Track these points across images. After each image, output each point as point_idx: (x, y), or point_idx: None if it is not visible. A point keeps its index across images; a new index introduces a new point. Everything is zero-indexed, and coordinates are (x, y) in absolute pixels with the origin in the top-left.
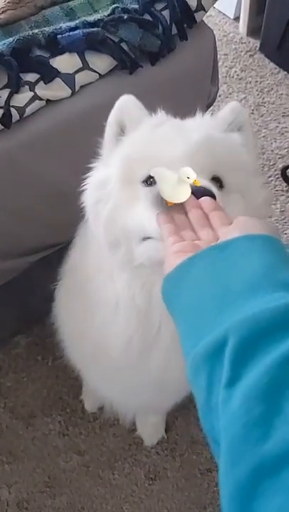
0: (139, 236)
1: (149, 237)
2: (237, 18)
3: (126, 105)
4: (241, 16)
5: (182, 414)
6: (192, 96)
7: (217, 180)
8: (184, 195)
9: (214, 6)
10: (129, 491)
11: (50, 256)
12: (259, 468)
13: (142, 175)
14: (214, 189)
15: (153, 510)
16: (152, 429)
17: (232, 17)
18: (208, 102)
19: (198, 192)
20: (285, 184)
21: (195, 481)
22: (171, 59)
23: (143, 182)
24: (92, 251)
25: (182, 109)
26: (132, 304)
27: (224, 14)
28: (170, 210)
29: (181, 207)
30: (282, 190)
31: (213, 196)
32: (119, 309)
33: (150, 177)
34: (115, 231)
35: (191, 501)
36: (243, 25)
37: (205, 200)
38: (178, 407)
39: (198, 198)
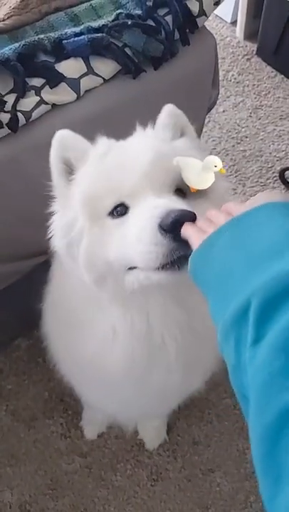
0: (124, 266)
1: (134, 267)
2: (234, 22)
3: (65, 141)
4: (238, 20)
5: (183, 416)
6: (194, 99)
7: (180, 191)
8: (208, 181)
9: None
10: (132, 493)
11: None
12: (285, 411)
13: (105, 208)
14: (185, 207)
15: (155, 511)
16: (154, 432)
17: (229, 21)
18: (209, 105)
19: (177, 220)
20: (283, 186)
21: (197, 481)
22: (174, 63)
23: (109, 214)
24: (74, 288)
25: (186, 111)
26: (131, 330)
27: (221, 18)
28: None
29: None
30: (280, 193)
31: (194, 217)
32: (117, 337)
33: (116, 207)
34: (98, 267)
35: (193, 502)
36: (240, 30)
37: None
38: (179, 408)
39: (180, 226)
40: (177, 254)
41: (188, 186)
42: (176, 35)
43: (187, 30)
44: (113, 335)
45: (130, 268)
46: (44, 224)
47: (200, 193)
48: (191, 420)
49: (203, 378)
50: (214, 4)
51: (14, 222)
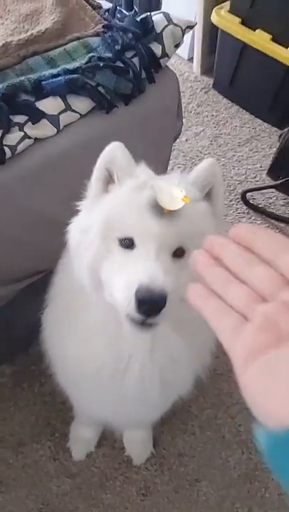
0: (108, 291)
1: None
2: (191, 59)
3: (115, 152)
4: (194, 56)
5: (167, 429)
6: (162, 130)
7: (180, 249)
8: (179, 203)
9: None
10: (122, 509)
11: (35, 283)
12: None
13: (119, 234)
14: (168, 288)
15: None
16: (140, 447)
17: (186, 58)
18: (175, 135)
19: (152, 301)
20: (245, 207)
21: (184, 492)
22: (142, 99)
23: (119, 240)
24: (72, 282)
25: (154, 141)
26: (105, 333)
27: (179, 56)
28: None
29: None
30: (244, 213)
31: (164, 304)
32: (94, 334)
33: (125, 238)
34: (94, 278)
35: None
36: (196, 65)
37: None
38: (162, 422)
39: (150, 308)
40: (139, 318)
41: (190, 242)
42: (143, 75)
43: (152, 70)
44: (92, 332)
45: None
46: (32, 249)
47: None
48: (175, 433)
49: (183, 388)
50: (174, 47)
51: (3, 248)
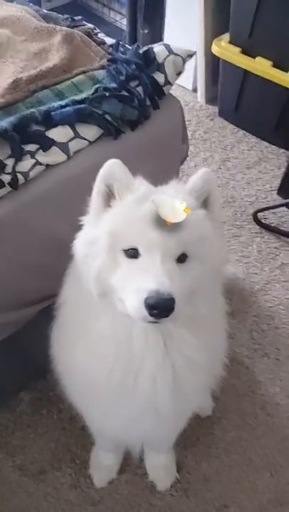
0: (117, 295)
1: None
2: (195, 89)
3: (113, 169)
4: (198, 87)
5: (191, 453)
6: (168, 153)
7: (183, 255)
8: (181, 216)
9: None
10: None
11: (50, 307)
12: None
13: (124, 245)
14: (178, 279)
15: None
16: (163, 472)
17: (190, 88)
18: (181, 158)
19: (161, 307)
20: (258, 227)
21: None
22: (148, 125)
23: (124, 251)
24: (81, 290)
25: (161, 165)
26: (114, 338)
27: (183, 87)
28: None
29: None
30: (256, 233)
31: (170, 305)
32: (103, 341)
33: (130, 249)
34: (102, 286)
35: None
36: (201, 95)
37: None
38: (186, 446)
39: (160, 312)
40: (152, 320)
41: (192, 248)
42: (148, 102)
43: (156, 97)
44: (100, 340)
45: (121, 298)
46: (44, 272)
47: (199, 258)
48: (199, 457)
49: (196, 399)
50: (177, 75)
51: (15, 271)
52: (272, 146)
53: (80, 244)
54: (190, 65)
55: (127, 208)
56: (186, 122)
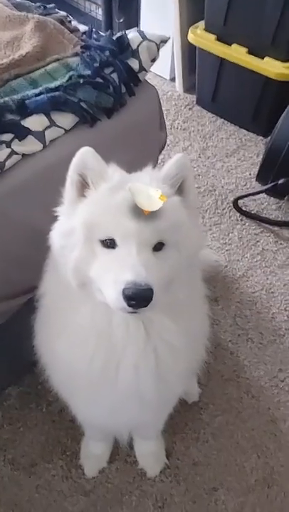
0: (96, 286)
1: None
2: (173, 79)
3: (85, 157)
4: (176, 76)
5: (179, 439)
6: (146, 141)
7: (159, 244)
8: (157, 205)
9: (151, 70)
10: None
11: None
12: None
13: (100, 235)
14: (154, 268)
15: None
16: (153, 459)
17: (168, 78)
18: (160, 147)
19: (139, 297)
20: (238, 214)
21: (202, 502)
22: (124, 112)
23: (101, 241)
24: (60, 281)
25: (139, 153)
26: (94, 328)
27: (161, 76)
28: None
29: None
30: (237, 220)
31: (148, 296)
32: (84, 331)
33: (107, 239)
34: (81, 277)
35: None
36: (179, 84)
37: None
38: (174, 432)
39: (138, 303)
40: (131, 310)
41: (168, 236)
42: (123, 89)
43: (131, 84)
44: (80, 330)
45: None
46: (25, 263)
47: (175, 245)
48: (187, 442)
49: (179, 384)
50: (151, 61)
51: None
52: (251, 134)
53: (56, 235)
54: (167, 54)
55: (101, 197)
56: (165, 112)
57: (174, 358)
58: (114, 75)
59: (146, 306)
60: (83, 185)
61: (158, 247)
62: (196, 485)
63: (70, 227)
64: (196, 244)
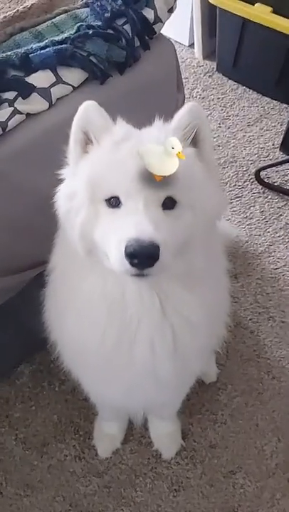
0: (102, 250)
1: None
2: (192, 45)
3: (89, 113)
4: (195, 41)
5: (196, 420)
6: (161, 101)
7: (170, 200)
8: (171, 167)
9: (169, 35)
10: (155, 507)
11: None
12: None
13: (104, 194)
14: (164, 226)
15: None
16: (168, 440)
17: (187, 44)
18: (176, 110)
19: (142, 255)
20: (260, 186)
21: (219, 485)
22: (138, 68)
23: (106, 201)
24: (68, 251)
25: (154, 114)
26: (106, 299)
27: (179, 42)
28: None
29: None
30: (259, 193)
31: (154, 252)
32: (94, 302)
33: (111, 198)
34: (87, 242)
35: (218, 507)
36: (198, 51)
37: None
38: (190, 413)
39: (141, 261)
40: (136, 271)
41: (180, 192)
42: (137, 42)
43: (146, 37)
44: (89, 305)
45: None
46: (33, 234)
47: (189, 205)
48: (204, 424)
49: (198, 362)
50: (168, 11)
51: (3, 235)
52: (274, 102)
53: (61, 199)
54: (186, 18)
55: (105, 151)
56: (184, 80)
57: (191, 333)
58: (127, 27)
59: (151, 266)
60: (87, 143)
61: (169, 204)
62: (213, 468)
63: (73, 189)
64: (215, 204)
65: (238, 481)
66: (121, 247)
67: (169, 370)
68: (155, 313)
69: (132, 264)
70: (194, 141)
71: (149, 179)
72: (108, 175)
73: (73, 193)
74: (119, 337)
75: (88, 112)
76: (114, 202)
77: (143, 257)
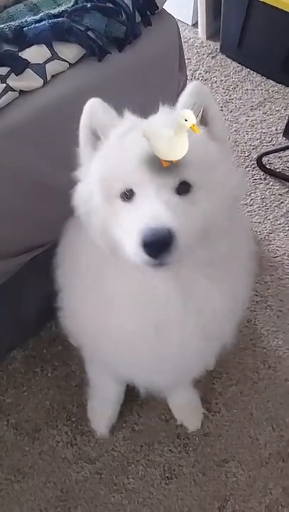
0: (123, 248)
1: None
2: (195, 24)
3: (94, 110)
4: (199, 21)
5: None
6: (162, 81)
7: (184, 184)
8: (181, 150)
9: (172, 14)
10: (147, 494)
11: (38, 257)
12: None
13: (118, 189)
14: (181, 211)
15: (173, 510)
16: (190, 410)
17: (190, 23)
18: (178, 91)
19: (155, 242)
20: (262, 173)
21: (212, 473)
22: (138, 45)
23: (121, 196)
24: (90, 250)
25: (155, 94)
26: (136, 298)
27: (182, 22)
28: None
29: None
30: (260, 179)
31: (170, 239)
32: (132, 299)
33: (125, 191)
34: (109, 240)
35: (211, 495)
36: (201, 31)
37: None
38: None
39: (156, 248)
40: (153, 262)
41: (194, 174)
42: (138, 17)
43: (148, 12)
44: (128, 299)
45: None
46: (27, 218)
47: (206, 187)
48: None
49: (223, 341)
50: None
51: None
52: (279, 85)
53: (79, 201)
54: None
55: (112, 144)
56: (186, 61)
57: (218, 322)
58: (128, 0)
59: (167, 252)
60: (97, 141)
61: (183, 189)
62: (206, 456)
63: (89, 189)
64: (233, 185)
65: (231, 470)
66: (135, 238)
67: (198, 352)
68: (180, 307)
69: (148, 253)
70: (203, 121)
71: (159, 164)
72: (118, 167)
73: (89, 193)
74: (153, 331)
75: (93, 109)
76: (128, 195)
77: (158, 244)
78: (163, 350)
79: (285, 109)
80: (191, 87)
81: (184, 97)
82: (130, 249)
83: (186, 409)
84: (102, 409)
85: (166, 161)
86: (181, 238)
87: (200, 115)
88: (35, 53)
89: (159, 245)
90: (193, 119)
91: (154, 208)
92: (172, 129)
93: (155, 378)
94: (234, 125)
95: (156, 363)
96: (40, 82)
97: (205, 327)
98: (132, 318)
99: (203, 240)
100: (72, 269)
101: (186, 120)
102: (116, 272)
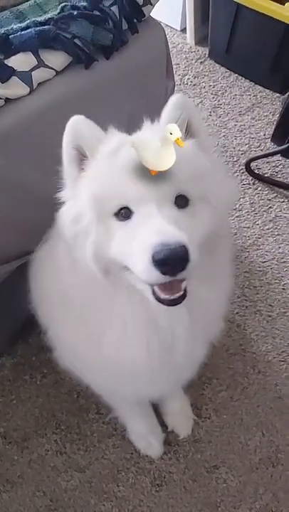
0: (121, 266)
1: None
2: (184, 30)
3: (77, 128)
4: (188, 26)
5: None
6: (150, 89)
7: (182, 198)
8: (168, 160)
9: (160, 19)
10: (137, 502)
11: (28, 265)
12: None
13: (111, 209)
14: (184, 223)
15: None
16: (181, 416)
17: (179, 29)
18: (166, 98)
19: (173, 259)
20: (250, 178)
21: (202, 480)
22: (125, 52)
23: (114, 215)
24: (79, 276)
25: (142, 102)
26: (137, 316)
27: (171, 27)
28: None
29: None
30: (249, 184)
31: (184, 252)
32: (127, 325)
33: (121, 209)
34: (102, 262)
35: (201, 502)
36: (190, 36)
37: None
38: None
39: (173, 266)
40: (168, 279)
41: (190, 187)
42: (124, 25)
43: (134, 20)
44: (124, 325)
45: (127, 268)
46: (15, 225)
47: (203, 198)
48: None
49: (215, 332)
50: None
51: None
52: (267, 91)
53: (66, 224)
54: (178, 1)
55: (101, 163)
56: (175, 66)
57: (215, 323)
58: (115, 8)
59: (184, 269)
60: (82, 159)
61: (181, 202)
62: (196, 462)
63: (77, 211)
64: (227, 192)
65: (221, 476)
66: (146, 256)
67: (203, 352)
68: (185, 318)
69: (163, 272)
70: (189, 133)
71: (155, 178)
72: (112, 186)
73: (78, 215)
74: (161, 351)
75: (76, 127)
76: (124, 213)
77: (174, 261)
78: (169, 364)
79: (273, 115)
80: (174, 99)
81: (168, 111)
82: (140, 269)
83: (177, 416)
84: (146, 433)
85: (153, 170)
86: (191, 251)
87: (185, 128)
88: (21, 61)
89: (177, 262)
90: (178, 133)
91: (161, 223)
92: (159, 141)
93: (156, 389)
94: (223, 130)
95: (160, 378)
96: (26, 89)
97: (206, 332)
98: (132, 342)
99: (206, 251)
100: (53, 306)
101: (171, 134)
102: (107, 297)
